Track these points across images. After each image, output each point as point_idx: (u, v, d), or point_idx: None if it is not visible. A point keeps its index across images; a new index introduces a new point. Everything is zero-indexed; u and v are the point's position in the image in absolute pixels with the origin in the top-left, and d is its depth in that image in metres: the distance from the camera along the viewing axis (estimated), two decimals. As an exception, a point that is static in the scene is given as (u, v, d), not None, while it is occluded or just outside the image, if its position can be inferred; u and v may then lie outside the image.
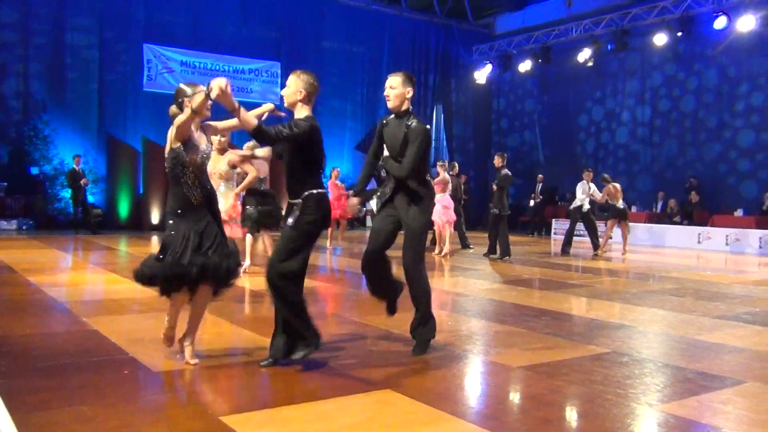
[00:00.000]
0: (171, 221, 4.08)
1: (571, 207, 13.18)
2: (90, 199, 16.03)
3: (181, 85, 4.18)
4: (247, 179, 7.58)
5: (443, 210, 11.63)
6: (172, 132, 4.07)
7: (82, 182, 14.97)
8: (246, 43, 18.05)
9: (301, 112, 4.08)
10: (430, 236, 11.99)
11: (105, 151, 16.55)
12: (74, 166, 15.05)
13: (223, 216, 6.66)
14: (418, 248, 4.49)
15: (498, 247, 11.50)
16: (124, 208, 16.55)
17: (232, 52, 17.88)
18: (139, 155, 16.57)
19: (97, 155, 16.52)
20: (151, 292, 4.31)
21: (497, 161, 11.57)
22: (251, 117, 3.91)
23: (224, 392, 3.80)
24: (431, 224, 10.92)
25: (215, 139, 6.78)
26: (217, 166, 7.16)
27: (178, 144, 4.06)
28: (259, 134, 3.86)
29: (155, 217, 16.05)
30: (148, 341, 4.85)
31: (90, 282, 8.17)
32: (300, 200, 4.04)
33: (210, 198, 4.19)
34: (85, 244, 12.75)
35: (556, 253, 13.26)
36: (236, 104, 3.77)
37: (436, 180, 11.99)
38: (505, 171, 11.49)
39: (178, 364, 4.24)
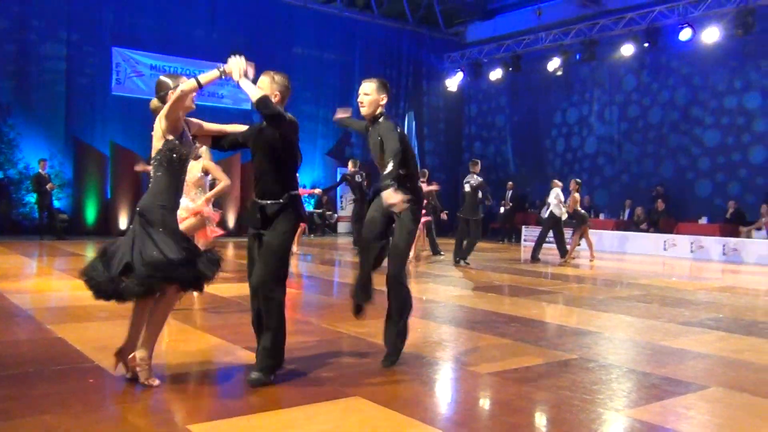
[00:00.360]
0: (165, 216, 3.80)
1: (546, 215, 13.30)
2: (56, 204, 15.74)
3: (162, 77, 4.00)
4: (219, 187, 7.51)
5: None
6: (161, 123, 3.82)
7: (48, 187, 14.69)
8: (216, 48, 17.87)
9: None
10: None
11: (72, 155, 16.27)
12: (40, 170, 14.77)
13: (197, 216, 6.59)
14: (403, 258, 4.40)
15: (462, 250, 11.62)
16: (91, 214, 16.28)
17: (203, 56, 17.71)
18: (107, 160, 16.33)
19: (63, 159, 16.23)
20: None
21: (473, 168, 11.70)
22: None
23: (191, 401, 3.76)
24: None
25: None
26: (190, 172, 7.07)
27: (172, 137, 3.83)
28: (264, 103, 3.74)
29: (123, 223, 15.81)
30: (113, 349, 4.77)
31: (55, 288, 8.02)
32: (281, 201, 3.91)
33: None
34: (50, 249, 12.51)
35: (527, 259, 13.37)
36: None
37: None
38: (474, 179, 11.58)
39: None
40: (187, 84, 3.80)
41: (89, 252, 12.41)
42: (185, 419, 3.30)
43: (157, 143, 3.83)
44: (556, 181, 13.40)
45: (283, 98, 4.03)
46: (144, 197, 3.88)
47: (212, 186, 7.30)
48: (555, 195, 13.04)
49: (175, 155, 3.83)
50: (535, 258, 12.94)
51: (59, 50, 16.14)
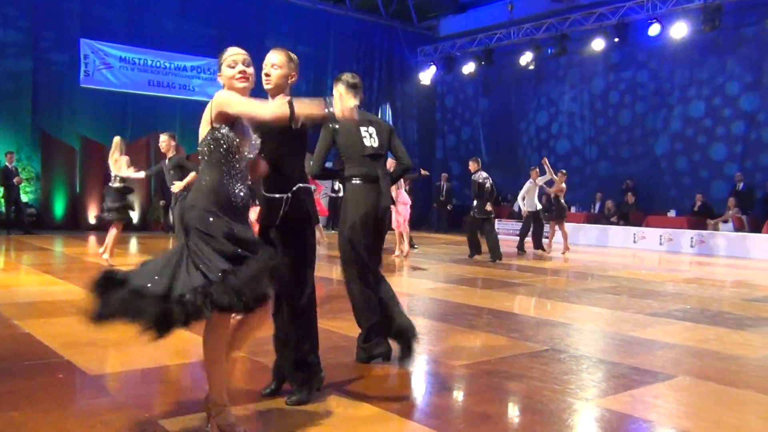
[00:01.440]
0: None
1: (527, 210, 13.33)
2: (25, 198, 15.48)
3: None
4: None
5: (402, 208, 11.70)
6: (211, 110, 3.01)
7: (15, 180, 14.42)
8: (187, 40, 17.71)
9: (281, 99, 3.43)
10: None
11: (40, 148, 15.99)
12: (6, 163, 14.49)
13: None
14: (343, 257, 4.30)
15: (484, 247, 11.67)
16: (59, 208, 16.04)
17: (174, 48, 17.52)
18: (76, 153, 16.09)
19: (31, 153, 15.95)
20: (87, 295, 4.11)
21: (472, 166, 11.70)
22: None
23: (163, 396, 3.73)
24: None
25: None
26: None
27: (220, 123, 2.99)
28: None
29: (92, 217, 15.62)
30: (84, 344, 4.72)
31: (23, 283, 7.89)
32: (289, 194, 3.44)
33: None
34: (17, 244, 12.30)
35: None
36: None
37: None
38: (474, 177, 11.57)
39: (113, 367, 4.14)
40: (285, 109, 3.08)
41: (57, 247, 12.23)
42: (156, 414, 3.27)
43: (201, 129, 3.07)
44: (534, 170, 13.50)
45: (296, 79, 3.59)
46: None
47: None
48: (528, 187, 13.20)
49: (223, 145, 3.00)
50: (521, 250, 13.17)
51: (26, 42, 15.81)
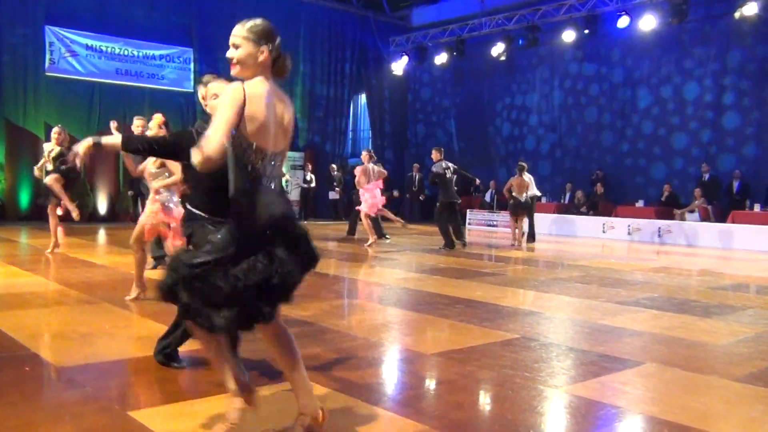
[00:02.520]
0: None
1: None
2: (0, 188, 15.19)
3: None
4: (171, 179, 7.24)
5: (369, 199, 11.78)
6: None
7: None
8: (156, 28, 17.42)
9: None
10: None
11: (3, 137, 15.63)
12: None
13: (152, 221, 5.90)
14: None
15: (451, 236, 11.73)
16: (24, 198, 15.72)
17: (142, 36, 17.21)
18: (41, 142, 15.74)
19: (-3, 145, 15.60)
20: (54, 286, 4.05)
21: (434, 155, 11.74)
22: None
23: (131, 387, 3.69)
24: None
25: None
26: (147, 164, 6.71)
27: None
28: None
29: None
30: (51, 336, 4.65)
31: (-13, 276, 7.73)
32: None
33: None
34: (-19, 236, 12.04)
35: (471, 242, 13.55)
36: None
37: (358, 168, 12.09)
38: (434, 167, 11.64)
39: (82, 359, 4.08)
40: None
41: (23, 238, 12.00)
42: (126, 406, 3.23)
43: None
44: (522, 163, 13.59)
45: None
46: None
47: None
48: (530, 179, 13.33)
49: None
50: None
51: (-11, 29, 15.41)
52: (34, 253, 9.87)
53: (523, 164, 13.54)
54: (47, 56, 16.11)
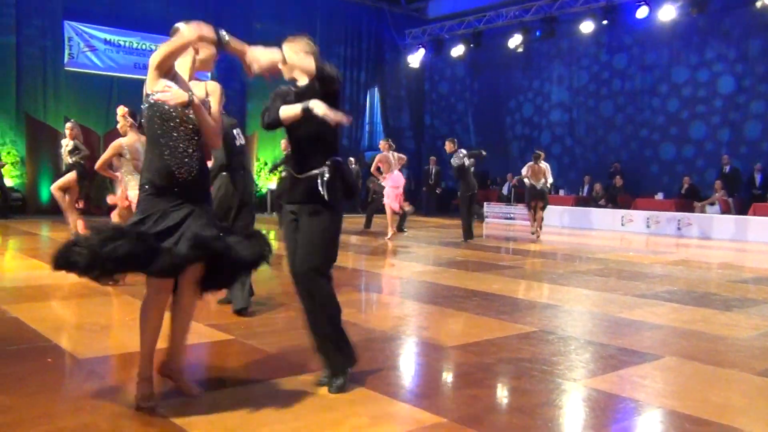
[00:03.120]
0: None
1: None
2: (11, 182, 15.33)
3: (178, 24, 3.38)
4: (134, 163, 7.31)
5: (391, 191, 11.74)
6: (152, 65, 3.09)
7: None
8: (173, 22, 17.25)
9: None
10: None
11: (24, 132, 15.80)
12: None
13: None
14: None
15: (472, 229, 11.70)
16: (45, 192, 15.88)
17: (159, 30, 17.24)
18: (61, 136, 15.89)
19: (15, 137, 15.76)
20: (74, 279, 4.05)
21: (448, 147, 11.66)
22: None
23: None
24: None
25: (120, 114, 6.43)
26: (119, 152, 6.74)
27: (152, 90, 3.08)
28: (322, 72, 3.31)
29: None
30: (71, 328, 4.70)
31: (10, 268, 7.84)
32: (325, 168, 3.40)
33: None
34: (3, 228, 12.19)
35: (488, 235, 13.52)
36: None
37: (379, 157, 12.01)
38: (453, 160, 11.55)
39: (102, 350, 4.12)
40: (180, 37, 3.17)
41: (44, 231, 12.14)
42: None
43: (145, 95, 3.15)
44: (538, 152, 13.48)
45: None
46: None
47: None
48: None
49: (154, 114, 3.11)
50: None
51: (8, 23, 15.55)
52: (55, 246, 9.98)
53: (539, 152, 13.46)
54: (66, 51, 16.26)
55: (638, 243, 13.25)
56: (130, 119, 6.40)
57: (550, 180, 13.30)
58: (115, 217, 6.49)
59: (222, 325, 4.80)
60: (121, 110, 6.41)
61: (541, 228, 13.07)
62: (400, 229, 13.20)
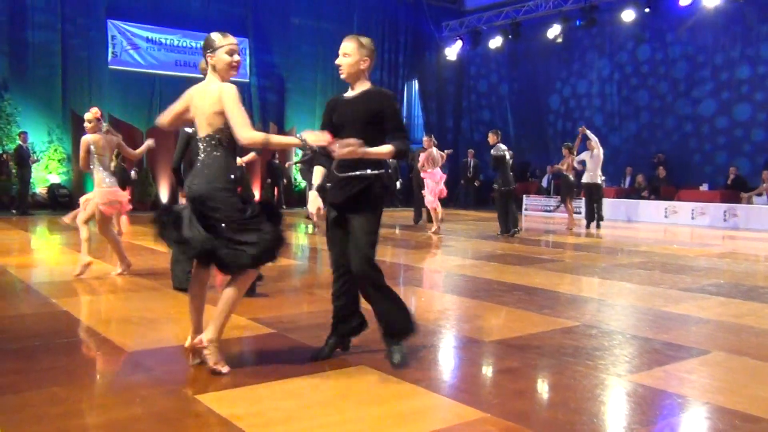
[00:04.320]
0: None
1: (583, 181, 13.26)
2: (58, 179, 15.76)
3: (211, 34, 3.59)
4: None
5: (434, 186, 11.75)
6: (229, 106, 3.43)
7: (30, 161, 14.50)
8: (212, 19, 17.70)
9: (364, 84, 3.72)
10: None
11: (70, 129, 16.21)
12: (20, 143, 14.58)
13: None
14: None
15: (508, 222, 11.61)
16: (91, 188, 16.21)
17: (199, 28, 17.53)
18: (105, 134, 16.27)
19: (62, 134, 16.19)
20: (123, 273, 4.17)
21: (491, 138, 11.61)
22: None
23: (198, 371, 3.79)
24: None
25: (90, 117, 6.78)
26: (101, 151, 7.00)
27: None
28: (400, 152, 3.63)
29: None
30: (119, 321, 4.81)
31: (59, 263, 8.05)
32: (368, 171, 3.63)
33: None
34: (51, 224, 12.53)
35: (528, 228, 13.40)
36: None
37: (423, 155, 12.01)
38: (495, 150, 11.48)
39: (150, 344, 4.21)
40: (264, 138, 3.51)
41: (91, 227, 12.41)
42: (193, 389, 3.33)
43: (215, 120, 3.50)
44: (591, 142, 13.33)
45: (371, 64, 3.73)
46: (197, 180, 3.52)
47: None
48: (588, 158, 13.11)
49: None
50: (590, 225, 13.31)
51: (54, 24, 15.97)
52: (101, 241, 10.18)
53: (569, 144, 13.41)
54: (110, 49, 16.63)
55: (683, 235, 12.98)
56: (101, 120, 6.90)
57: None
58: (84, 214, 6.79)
59: (264, 318, 4.86)
60: (95, 113, 6.83)
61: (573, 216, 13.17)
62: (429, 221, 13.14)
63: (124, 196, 7.03)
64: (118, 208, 6.97)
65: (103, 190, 6.68)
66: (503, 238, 11.27)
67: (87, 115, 6.76)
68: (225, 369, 3.54)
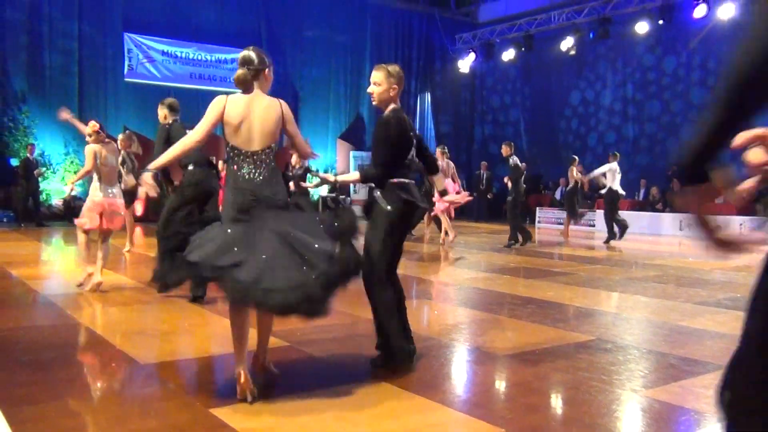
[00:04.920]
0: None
1: (605, 192, 13.29)
2: (77, 191, 15.87)
3: (250, 52, 4.00)
4: (81, 171, 7.55)
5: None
6: (288, 125, 3.83)
7: (35, 172, 14.60)
8: (227, 32, 17.90)
9: (392, 109, 3.96)
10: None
11: (86, 142, 16.34)
12: (27, 155, 14.68)
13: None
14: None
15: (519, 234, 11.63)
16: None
17: (214, 41, 17.73)
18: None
19: (78, 146, 16.30)
20: (134, 284, 4.19)
21: (504, 150, 11.62)
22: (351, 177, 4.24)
23: (213, 384, 3.80)
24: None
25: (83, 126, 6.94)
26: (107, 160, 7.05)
27: None
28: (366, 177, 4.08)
29: (138, 208, 15.93)
30: (135, 334, 4.84)
31: (74, 274, 8.09)
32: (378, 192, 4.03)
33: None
34: (66, 235, 12.62)
35: (541, 241, 13.35)
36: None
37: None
38: (513, 160, 11.50)
39: (164, 356, 4.23)
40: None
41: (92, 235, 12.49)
42: (207, 402, 3.33)
43: (276, 133, 3.74)
44: (612, 155, 13.37)
45: (400, 89, 3.98)
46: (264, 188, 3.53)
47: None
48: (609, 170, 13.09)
49: None
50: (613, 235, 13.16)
51: (71, 37, 16.20)
52: (114, 253, 10.28)
53: (575, 157, 13.48)
54: (126, 62, 16.81)
55: (698, 248, 12.87)
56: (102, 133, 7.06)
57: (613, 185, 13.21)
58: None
59: (277, 332, 4.85)
60: (93, 126, 6.97)
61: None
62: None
63: (120, 208, 6.94)
64: (111, 222, 6.83)
65: (98, 199, 6.69)
66: (516, 249, 11.23)
67: (86, 129, 6.92)
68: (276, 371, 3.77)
